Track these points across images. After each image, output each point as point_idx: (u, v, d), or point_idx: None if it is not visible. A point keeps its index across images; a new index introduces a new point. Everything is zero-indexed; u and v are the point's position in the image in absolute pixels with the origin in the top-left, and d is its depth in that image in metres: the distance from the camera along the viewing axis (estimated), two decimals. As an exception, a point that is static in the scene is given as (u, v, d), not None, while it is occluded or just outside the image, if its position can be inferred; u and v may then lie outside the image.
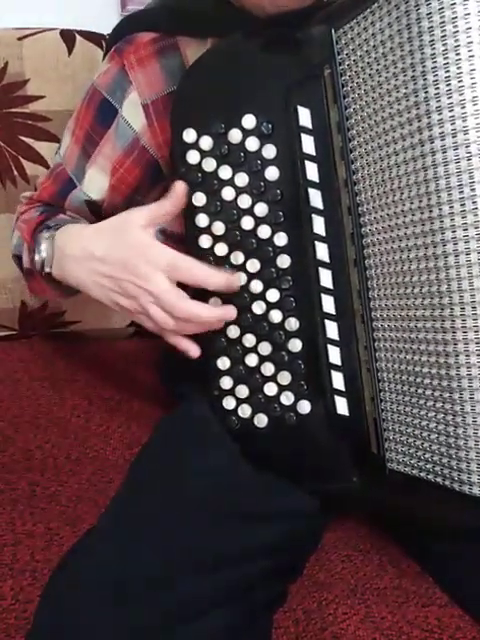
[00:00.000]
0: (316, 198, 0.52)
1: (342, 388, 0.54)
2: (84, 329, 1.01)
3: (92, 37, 0.94)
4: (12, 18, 0.96)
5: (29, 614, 0.51)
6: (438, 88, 0.42)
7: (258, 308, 0.56)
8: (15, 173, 0.93)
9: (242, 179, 0.55)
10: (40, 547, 0.58)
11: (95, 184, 0.67)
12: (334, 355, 0.54)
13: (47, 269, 0.63)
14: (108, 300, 0.57)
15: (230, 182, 0.55)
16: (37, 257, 0.63)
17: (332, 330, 0.53)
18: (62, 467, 0.70)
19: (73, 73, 0.92)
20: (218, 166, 0.55)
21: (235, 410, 0.57)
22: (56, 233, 0.62)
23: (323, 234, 0.52)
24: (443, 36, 0.41)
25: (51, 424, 0.77)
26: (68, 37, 0.93)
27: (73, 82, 0.92)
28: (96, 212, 0.69)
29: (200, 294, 0.56)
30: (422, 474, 0.49)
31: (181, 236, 0.61)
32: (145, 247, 0.54)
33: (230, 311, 0.55)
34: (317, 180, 0.52)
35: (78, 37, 0.93)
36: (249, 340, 0.56)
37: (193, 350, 0.56)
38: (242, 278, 0.55)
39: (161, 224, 0.56)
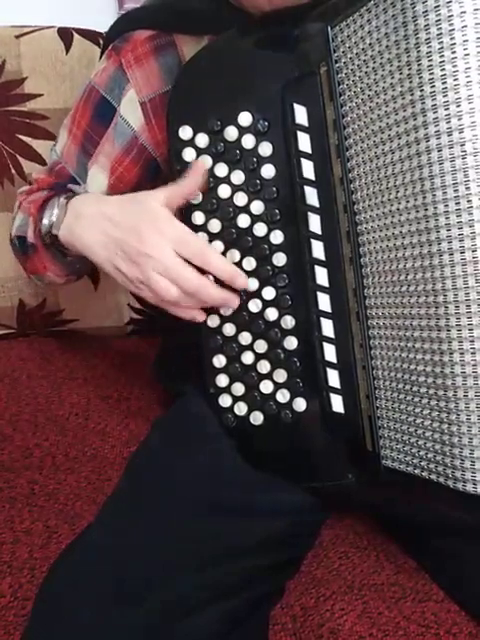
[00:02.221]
0: (312, 196, 0.52)
1: (337, 386, 0.54)
2: (82, 327, 1.01)
3: (89, 35, 0.94)
4: (9, 16, 0.95)
5: (28, 611, 0.51)
6: (433, 86, 0.42)
7: (254, 306, 0.56)
8: (13, 171, 0.93)
9: (238, 177, 0.55)
10: (39, 545, 0.59)
11: (96, 183, 0.67)
12: (330, 353, 0.54)
13: (54, 231, 0.62)
14: (109, 264, 0.57)
15: (226, 180, 0.55)
16: (45, 221, 0.62)
17: (328, 328, 0.53)
18: (60, 465, 0.70)
19: (71, 71, 0.92)
20: (214, 164, 0.55)
21: (231, 408, 0.58)
22: (72, 199, 0.62)
23: (319, 232, 0.52)
24: (439, 34, 0.41)
25: (49, 422, 0.77)
26: (65, 35, 0.93)
27: (71, 80, 0.92)
28: None
29: None
30: (417, 471, 0.49)
31: None
32: (158, 216, 0.54)
33: (235, 299, 0.55)
34: (313, 178, 0.52)
35: (75, 35, 0.93)
36: (245, 338, 0.56)
37: (199, 316, 0.56)
38: (245, 281, 0.55)
39: (179, 202, 0.56)
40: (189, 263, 0.53)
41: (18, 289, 0.96)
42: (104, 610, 0.47)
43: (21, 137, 0.92)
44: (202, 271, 0.54)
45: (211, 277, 0.55)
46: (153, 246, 0.53)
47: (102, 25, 0.86)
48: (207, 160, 0.56)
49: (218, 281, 0.55)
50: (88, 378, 0.88)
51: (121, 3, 1.12)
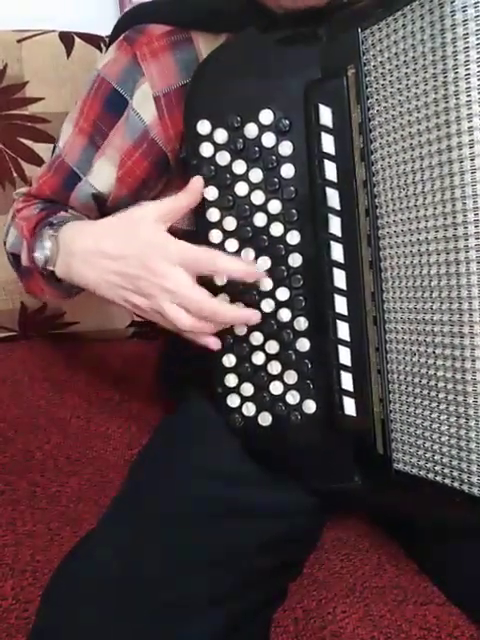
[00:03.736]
0: (333, 198, 0.52)
1: (351, 389, 0.54)
2: (84, 330, 1.00)
3: (91, 39, 0.94)
4: (11, 20, 0.95)
5: (30, 614, 0.50)
6: (469, 95, 0.42)
7: (267, 306, 0.55)
8: (14, 175, 0.93)
9: (256, 175, 0.54)
10: (41, 547, 0.58)
11: (103, 176, 0.65)
12: (344, 356, 0.54)
13: (50, 267, 0.60)
14: (120, 299, 0.55)
15: (244, 177, 0.54)
16: (39, 255, 0.60)
17: (343, 331, 0.53)
18: (62, 468, 0.70)
19: (72, 75, 0.92)
20: (232, 160, 0.55)
21: (239, 408, 0.57)
22: (60, 229, 0.59)
23: (339, 234, 0.52)
24: (478, 43, 0.41)
25: (51, 425, 0.77)
26: (67, 39, 0.93)
27: (72, 84, 0.92)
28: (102, 206, 0.67)
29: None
30: (430, 475, 0.50)
31: (185, 231, 0.60)
32: (160, 243, 0.52)
33: (255, 316, 0.54)
34: (335, 180, 0.52)
35: (77, 39, 0.93)
36: (256, 338, 0.56)
37: (213, 343, 0.54)
38: (260, 266, 0.54)
39: (174, 220, 0.54)
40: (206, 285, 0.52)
41: (20, 292, 0.94)
42: (106, 613, 0.47)
43: (23, 140, 0.92)
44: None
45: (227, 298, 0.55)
46: (163, 276, 0.51)
47: (103, 29, 0.87)
48: (225, 156, 0.55)
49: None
50: (89, 381, 0.87)
51: (122, 7, 1.10)
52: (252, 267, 0.54)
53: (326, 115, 0.51)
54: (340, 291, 0.53)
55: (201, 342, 0.54)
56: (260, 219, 0.54)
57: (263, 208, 0.54)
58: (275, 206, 0.54)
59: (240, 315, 0.54)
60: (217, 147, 0.55)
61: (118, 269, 0.54)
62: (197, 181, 0.54)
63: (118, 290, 0.54)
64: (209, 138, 0.55)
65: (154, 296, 0.52)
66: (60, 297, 0.68)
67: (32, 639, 0.47)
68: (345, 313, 0.53)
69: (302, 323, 0.55)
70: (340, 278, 0.53)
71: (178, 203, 0.54)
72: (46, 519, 0.61)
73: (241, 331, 0.56)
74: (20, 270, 0.68)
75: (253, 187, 0.54)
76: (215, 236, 0.55)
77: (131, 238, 0.54)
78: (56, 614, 0.48)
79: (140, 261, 0.52)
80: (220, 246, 0.55)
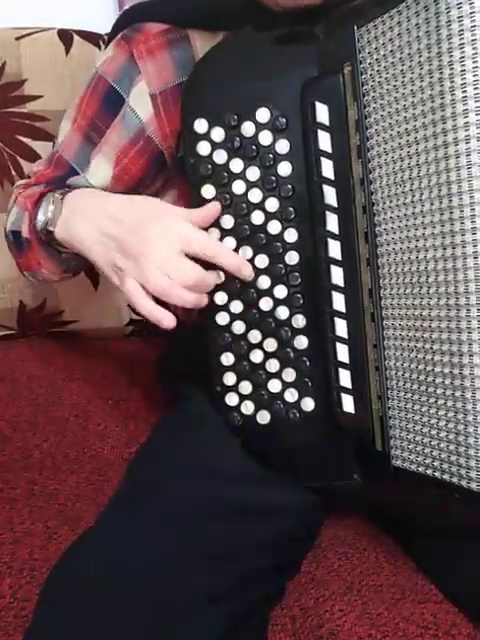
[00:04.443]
0: (330, 195, 0.52)
1: (349, 386, 0.54)
2: (82, 328, 1.00)
3: (90, 37, 0.94)
4: (9, 18, 0.95)
5: (28, 612, 0.50)
6: (465, 91, 0.42)
7: (265, 304, 0.55)
8: (13, 172, 0.93)
9: (254, 173, 0.54)
10: (38, 545, 0.58)
11: (99, 173, 0.65)
12: (342, 353, 0.54)
13: (50, 227, 0.60)
14: (106, 260, 0.55)
15: (241, 176, 0.55)
16: (41, 217, 0.60)
17: (341, 328, 0.53)
18: (60, 466, 0.70)
19: (71, 73, 0.92)
20: (229, 159, 0.55)
21: (238, 406, 0.57)
22: (68, 193, 0.60)
23: (336, 232, 0.52)
24: (473, 40, 0.41)
25: (49, 423, 0.77)
26: (65, 37, 0.93)
27: (71, 82, 0.92)
28: None
29: None
30: (428, 471, 0.50)
31: None
32: (161, 211, 0.53)
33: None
34: (332, 177, 0.52)
35: (76, 37, 0.93)
36: (254, 336, 0.56)
37: (167, 320, 0.54)
38: (250, 271, 0.54)
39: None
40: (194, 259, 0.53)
41: (19, 290, 0.95)
42: (104, 612, 0.47)
43: (21, 138, 0.92)
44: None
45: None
46: (153, 242, 0.52)
47: (102, 27, 0.88)
48: (222, 155, 0.55)
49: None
50: (88, 379, 0.87)
51: (121, 5, 1.11)
52: (245, 263, 0.54)
53: (323, 113, 0.52)
54: (338, 288, 0.53)
55: (155, 317, 0.54)
56: (257, 217, 0.55)
57: (260, 206, 0.54)
58: (272, 204, 0.54)
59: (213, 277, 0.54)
60: (214, 145, 0.55)
61: (112, 231, 0.54)
62: (214, 206, 0.55)
63: (107, 250, 0.55)
64: (206, 136, 0.55)
65: (137, 258, 0.52)
66: (56, 272, 0.68)
67: (29, 637, 0.47)
68: (343, 310, 0.53)
69: (300, 321, 0.55)
70: (338, 275, 0.53)
71: (189, 216, 0.55)
72: (44, 517, 0.61)
73: (239, 329, 0.56)
74: (19, 244, 0.68)
75: (250, 185, 0.55)
76: (213, 234, 0.56)
77: (134, 204, 0.56)
78: (54, 612, 0.48)
79: (135, 226, 0.53)
80: (217, 244, 0.56)
